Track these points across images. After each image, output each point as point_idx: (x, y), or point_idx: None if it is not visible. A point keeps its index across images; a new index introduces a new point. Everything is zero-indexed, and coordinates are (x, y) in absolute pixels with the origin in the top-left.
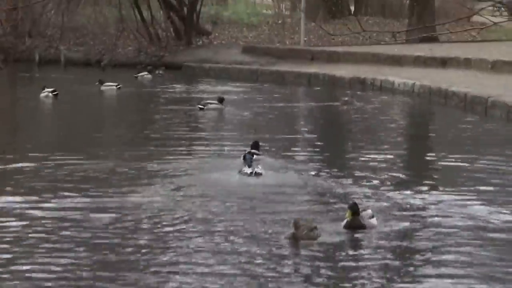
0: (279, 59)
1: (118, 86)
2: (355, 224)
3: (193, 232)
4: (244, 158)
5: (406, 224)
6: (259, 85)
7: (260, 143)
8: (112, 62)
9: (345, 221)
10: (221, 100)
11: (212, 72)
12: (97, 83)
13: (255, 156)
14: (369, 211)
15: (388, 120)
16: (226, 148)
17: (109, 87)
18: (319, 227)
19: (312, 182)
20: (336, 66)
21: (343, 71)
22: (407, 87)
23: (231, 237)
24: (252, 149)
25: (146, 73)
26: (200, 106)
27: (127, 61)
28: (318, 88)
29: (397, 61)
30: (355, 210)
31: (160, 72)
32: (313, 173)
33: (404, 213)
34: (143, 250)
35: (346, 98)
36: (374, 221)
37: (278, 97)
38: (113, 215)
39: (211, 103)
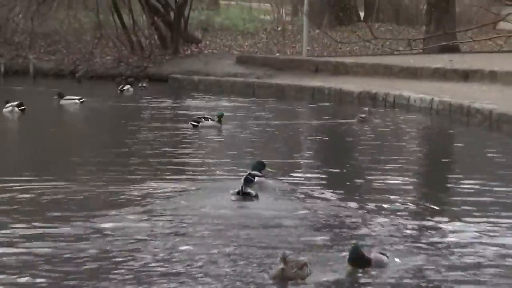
0: (279, 71)
1: (81, 100)
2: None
3: (163, 262)
4: (245, 180)
5: (424, 258)
6: (256, 100)
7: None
8: (88, 74)
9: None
10: (220, 117)
11: (202, 85)
12: (56, 96)
13: (256, 178)
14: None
15: (403, 140)
16: (217, 170)
17: (70, 101)
18: (316, 262)
19: (315, 209)
20: (344, 79)
21: (352, 84)
22: (424, 103)
23: (204, 273)
24: (253, 170)
25: (129, 86)
26: (193, 123)
27: (105, 73)
28: (324, 104)
29: (413, 73)
30: (355, 260)
31: (144, 85)
32: (317, 198)
33: (422, 245)
34: (102, 279)
35: (364, 115)
36: (383, 257)
37: (279, 114)
38: (80, 243)
39: (206, 119)
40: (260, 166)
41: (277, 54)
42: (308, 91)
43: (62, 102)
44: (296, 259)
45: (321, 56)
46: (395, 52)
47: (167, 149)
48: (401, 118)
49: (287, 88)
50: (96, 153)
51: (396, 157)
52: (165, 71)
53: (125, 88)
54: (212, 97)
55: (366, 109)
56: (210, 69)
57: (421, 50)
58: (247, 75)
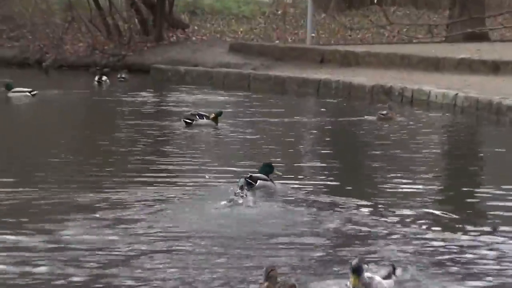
0: (278, 61)
1: (32, 93)
2: None
3: (128, 279)
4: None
5: (448, 278)
6: (252, 95)
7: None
8: (57, 63)
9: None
10: (217, 115)
11: (190, 77)
12: (3, 88)
13: (258, 182)
14: (383, 272)
15: (424, 142)
16: (207, 175)
17: (20, 93)
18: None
19: (320, 218)
20: (354, 71)
21: (363, 77)
22: (447, 99)
23: None
24: (261, 172)
25: (106, 77)
26: (186, 120)
27: (77, 62)
28: (331, 100)
29: (434, 65)
30: (360, 273)
31: (123, 76)
32: (325, 206)
33: (444, 261)
34: None
35: (385, 112)
36: (389, 283)
37: (280, 111)
38: (35, 254)
39: (200, 116)
40: (267, 169)
41: (277, 41)
42: (312, 85)
43: (10, 94)
44: (284, 279)
45: (328, 44)
46: (414, 40)
47: (148, 150)
48: (421, 116)
49: (288, 81)
50: (63, 155)
51: (417, 162)
52: (147, 61)
53: (103, 79)
54: (201, 90)
55: (387, 105)
56: (199, 59)
57: (444, 38)
58: (242, 65)
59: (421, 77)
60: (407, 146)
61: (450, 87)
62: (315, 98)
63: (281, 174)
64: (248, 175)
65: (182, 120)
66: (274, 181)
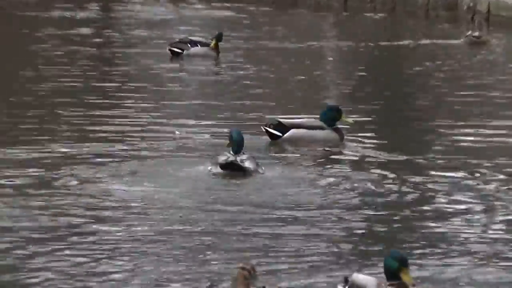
0: None
1: None
2: None
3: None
4: (231, 137)
5: None
6: (247, 7)
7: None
8: None
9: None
10: (217, 38)
11: None
12: None
13: (291, 132)
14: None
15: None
16: (177, 131)
17: None
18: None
19: (351, 194)
20: None
21: None
22: None
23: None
24: (322, 119)
25: None
26: (173, 49)
27: None
28: (367, 15)
29: None
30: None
31: None
32: (363, 169)
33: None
34: None
35: (477, 34)
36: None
37: (295, 33)
38: None
39: (193, 43)
40: (331, 114)
41: None
42: None
43: None
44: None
45: None
46: None
47: (88, 92)
48: (499, 42)
49: None
50: None
51: (489, 102)
52: None
53: None
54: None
55: (475, 22)
56: None
57: None
58: None
59: None
60: (480, 82)
61: None
62: (342, 13)
63: (352, 122)
64: (276, 122)
65: (167, 48)
66: (343, 132)
